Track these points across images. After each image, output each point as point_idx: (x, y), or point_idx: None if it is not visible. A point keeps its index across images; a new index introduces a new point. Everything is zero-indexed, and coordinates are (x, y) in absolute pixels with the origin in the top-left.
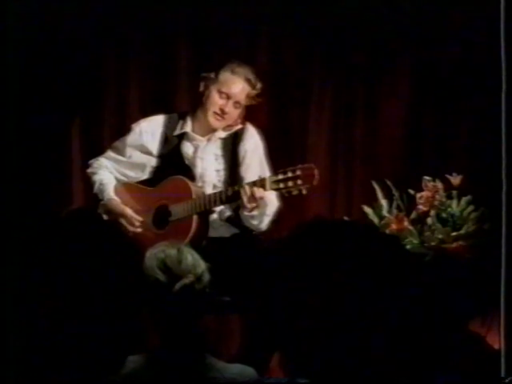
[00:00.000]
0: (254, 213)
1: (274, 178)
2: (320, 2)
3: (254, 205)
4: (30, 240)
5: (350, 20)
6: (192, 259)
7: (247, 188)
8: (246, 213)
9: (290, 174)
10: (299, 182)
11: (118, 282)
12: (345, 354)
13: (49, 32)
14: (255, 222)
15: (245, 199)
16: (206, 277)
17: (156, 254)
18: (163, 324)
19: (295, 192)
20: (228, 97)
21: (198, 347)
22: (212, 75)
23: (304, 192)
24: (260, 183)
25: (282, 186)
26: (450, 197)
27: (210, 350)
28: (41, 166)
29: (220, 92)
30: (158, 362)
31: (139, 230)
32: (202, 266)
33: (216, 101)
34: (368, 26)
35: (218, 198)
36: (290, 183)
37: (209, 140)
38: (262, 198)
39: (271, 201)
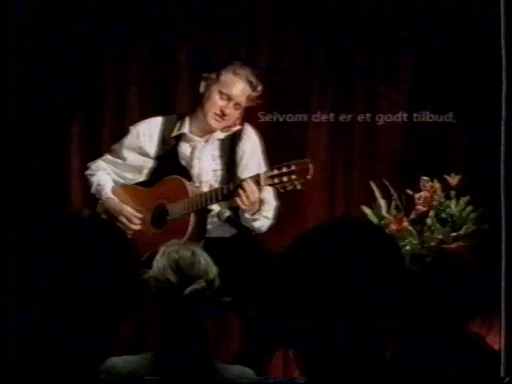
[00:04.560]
0: (256, 216)
1: (269, 174)
2: (320, 2)
3: (252, 199)
4: (30, 240)
5: (350, 19)
6: (205, 264)
7: (249, 181)
8: (247, 215)
9: (284, 170)
10: (294, 176)
11: (117, 281)
12: (344, 354)
13: (48, 33)
14: (256, 224)
15: (244, 194)
16: (217, 282)
17: (170, 253)
18: (165, 324)
19: (290, 187)
20: (229, 98)
21: (198, 347)
22: (213, 76)
23: (299, 187)
24: (255, 179)
25: (276, 181)
26: (448, 197)
27: (210, 350)
28: (40, 167)
29: (221, 93)
30: (158, 363)
31: (138, 227)
32: (213, 271)
33: (216, 101)
34: (368, 25)
35: (214, 196)
36: (285, 178)
37: (207, 141)
38: (262, 201)
39: (270, 202)
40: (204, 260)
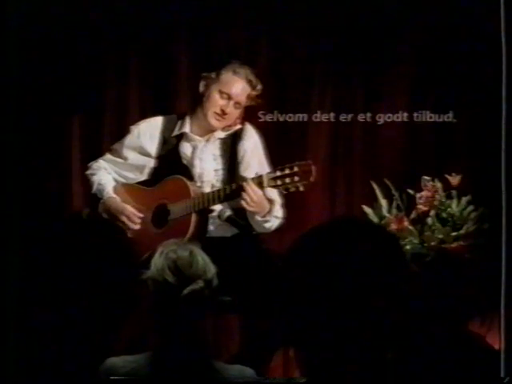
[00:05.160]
0: (267, 217)
1: (272, 175)
2: (320, 2)
3: (255, 199)
4: (30, 240)
5: (350, 19)
6: (203, 263)
7: (249, 182)
8: (258, 217)
9: (287, 171)
10: (296, 178)
11: (117, 281)
12: (344, 353)
13: (48, 32)
14: (267, 225)
15: (247, 195)
16: (215, 282)
17: (167, 253)
18: (165, 324)
19: (293, 189)
20: (229, 97)
21: (198, 348)
22: (213, 75)
23: (301, 189)
24: (257, 180)
25: (279, 182)
26: (449, 197)
27: (210, 350)
28: (40, 167)
29: (221, 92)
30: (158, 362)
31: (139, 226)
32: (211, 270)
33: (216, 101)
34: (368, 25)
35: (216, 197)
36: (288, 180)
37: (207, 140)
38: (272, 201)
39: (277, 201)
40: (202, 260)
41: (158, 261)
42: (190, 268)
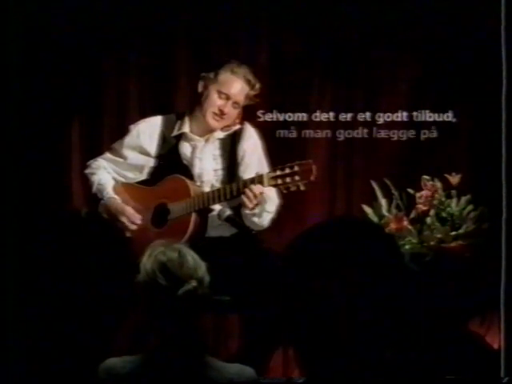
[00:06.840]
0: (256, 210)
1: (272, 175)
2: (320, 2)
3: (256, 202)
4: (30, 240)
5: (350, 20)
6: (193, 262)
7: (253, 187)
8: (247, 211)
9: (287, 170)
10: (297, 177)
11: (116, 281)
12: (343, 353)
13: (48, 32)
14: (256, 220)
15: (247, 198)
16: (207, 279)
17: (156, 255)
18: (162, 326)
19: (293, 188)
20: (227, 97)
21: (197, 347)
22: (211, 75)
23: (302, 188)
24: (258, 179)
25: (279, 182)
26: (449, 196)
27: (209, 349)
28: (40, 167)
29: (219, 92)
30: (157, 363)
31: (139, 227)
32: (202, 267)
33: (215, 101)
34: (368, 24)
35: (216, 196)
36: (288, 179)
37: (207, 140)
38: (261, 194)
39: (271, 197)
40: (192, 259)
41: (147, 264)
42: (181, 269)
